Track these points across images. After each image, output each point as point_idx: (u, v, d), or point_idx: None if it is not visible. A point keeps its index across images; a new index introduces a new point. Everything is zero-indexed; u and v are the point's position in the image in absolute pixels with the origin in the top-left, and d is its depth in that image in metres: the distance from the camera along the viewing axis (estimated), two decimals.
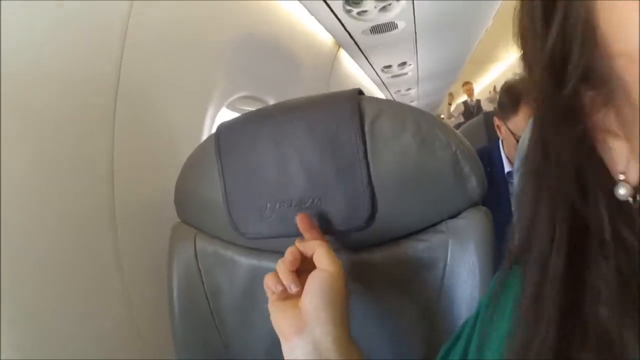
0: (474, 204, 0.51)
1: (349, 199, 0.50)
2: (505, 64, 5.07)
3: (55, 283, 0.58)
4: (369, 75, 2.69)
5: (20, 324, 0.54)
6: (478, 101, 4.70)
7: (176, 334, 0.61)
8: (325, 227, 0.51)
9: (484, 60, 4.39)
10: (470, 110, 4.62)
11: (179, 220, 0.65)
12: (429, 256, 0.51)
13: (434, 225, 0.52)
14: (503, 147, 1.22)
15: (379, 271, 0.52)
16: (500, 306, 0.30)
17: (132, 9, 0.68)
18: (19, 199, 0.54)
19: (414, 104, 5.74)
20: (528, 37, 0.21)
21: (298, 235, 0.52)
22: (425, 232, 0.52)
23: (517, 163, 0.55)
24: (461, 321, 0.48)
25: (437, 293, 0.51)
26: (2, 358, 0.49)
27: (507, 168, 1.20)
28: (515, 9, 0.22)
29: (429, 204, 0.51)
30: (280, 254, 0.57)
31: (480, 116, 1.63)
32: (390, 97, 4.49)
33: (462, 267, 0.49)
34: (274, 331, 0.55)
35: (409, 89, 4.04)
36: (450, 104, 5.18)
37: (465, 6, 1.61)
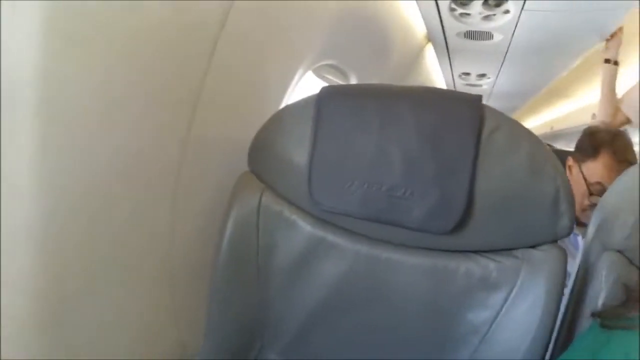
0: (554, 240, 0.50)
1: (444, 200, 0.49)
2: (575, 102, 4.58)
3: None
4: (444, 77, 2.65)
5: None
6: None
7: (215, 280, 0.60)
8: (408, 222, 0.51)
9: (556, 94, 3.79)
10: None
11: (247, 169, 0.63)
12: (496, 277, 0.50)
13: (510, 249, 0.51)
14: None
15: (442, 278, 0.52)
16: None
17: None
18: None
19: None
20: None
21: (375, 220, 0.52)
22: (499, 254, 0.51)
23: (591, 230, 0.53)
24: (509, 349, 0.48)
25: (494, 315, 0.50)
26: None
27: None
28: None
29: (516, 228, 0.50)
30: (348, 232, 0.56)
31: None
32: None
33: (528, 298, 0.49)
34: (317, 299, 0.56)
35: None
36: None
37: (564, 38, 1.57)
